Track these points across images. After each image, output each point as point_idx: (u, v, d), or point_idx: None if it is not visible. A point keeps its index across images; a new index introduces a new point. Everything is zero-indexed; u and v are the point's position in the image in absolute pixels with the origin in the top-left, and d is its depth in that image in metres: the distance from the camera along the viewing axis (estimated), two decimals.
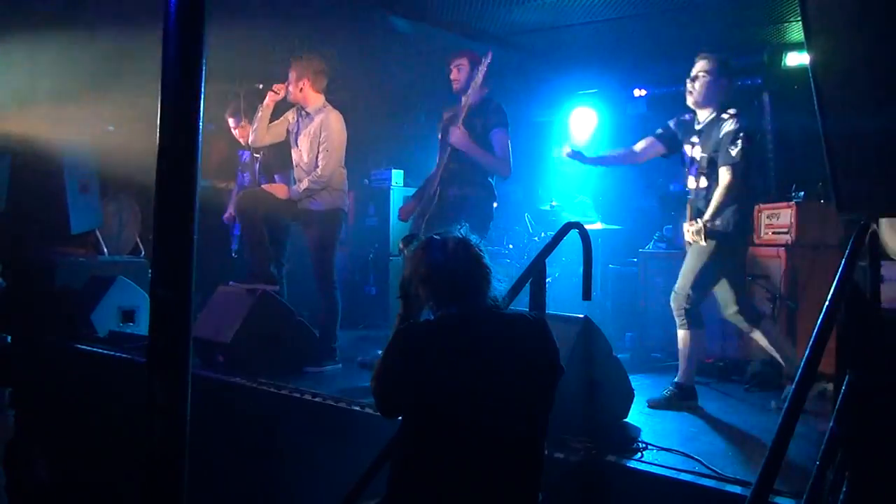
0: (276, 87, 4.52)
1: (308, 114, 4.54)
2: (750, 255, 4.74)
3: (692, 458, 2.73)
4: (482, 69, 4.11)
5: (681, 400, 3.65)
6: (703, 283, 3.67)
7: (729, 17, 5.08)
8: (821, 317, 1.92)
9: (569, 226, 3.24)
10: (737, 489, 2.41)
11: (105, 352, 4.91)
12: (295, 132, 4.61)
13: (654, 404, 3.64)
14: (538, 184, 6.72)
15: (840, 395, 2.14)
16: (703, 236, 3.53)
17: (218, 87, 5.10)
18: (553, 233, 3.27)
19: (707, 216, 3.59)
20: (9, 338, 4.28)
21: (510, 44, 5.84)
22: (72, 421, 4.78)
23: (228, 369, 4.21)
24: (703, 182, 3.71)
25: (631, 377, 3.29)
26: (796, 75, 5.43)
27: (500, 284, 2.06)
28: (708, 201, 3.63)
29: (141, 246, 7.10)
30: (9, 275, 5.52)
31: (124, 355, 4.73)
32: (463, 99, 4.24)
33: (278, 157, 4.93)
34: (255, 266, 4.49)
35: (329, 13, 5.11)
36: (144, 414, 1.12)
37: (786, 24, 5.15)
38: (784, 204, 4.70)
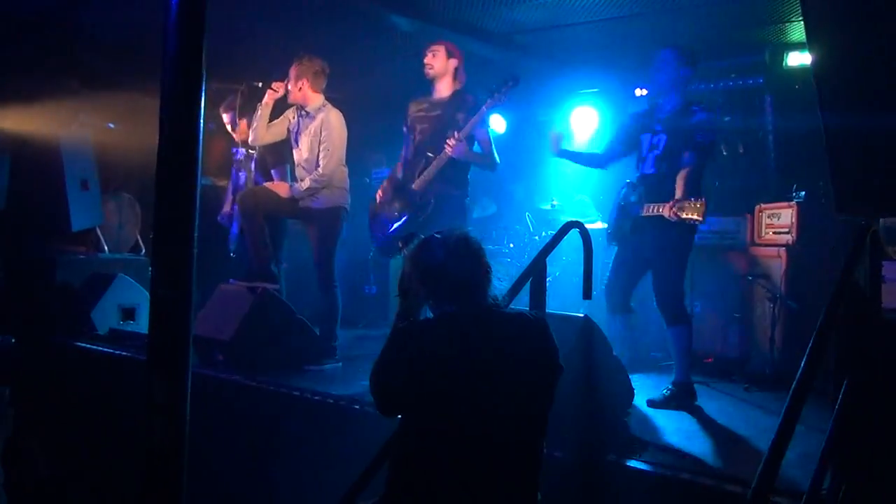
0: (275, 85, 4.52)
1: (308, 113, 4.54)
2: (751, 255, 4.76)
3: (692, 457, 2.73)
4: (500, 98, 4.09)
5: (681, 399, 3.66)
6: (684, 273, 3.75)
7: (730, 16, 5.07)
8: (821, 317, 1.92)
9: (569, 225, 3.24)
10: (736, 488, 2.41)
11: (105, 350, 4.91)
12: (295, 131, 4.61)
13: (655, 404, 3.64)
14: (539, 183, 6.71)
15: (840, 396, 2.14)
16: (684, 213, 3.49)
17: (218, 85, 5.09)
18: (553, 232, 3.26)
19: (680, 195, 3.56)
20: (13, 339, 4.29)
21: (511, 42, 5.83)
22: (71, 419, 4.78)
23: (228, 368, 4.21)
24: (659, 168, 3.76)
25: (631, 376, 3.29)
26: (797, 75, 5.42)
27: (499, 283, 2.06)
28: (659, 187, 3.68)
29: (141, 243, 7.10)
30: (6, 273, 5.53)
31: (124, 353, 4.73)
32: (467, 122, 4.20)
33: (274, 153, 4.93)
34: (256, 264, 4.49)
35: (330, 12, 5.10)
36: (144, 412, 1.12)
37: (787, 24, 5.14)
38: (785, 204, 4.70)
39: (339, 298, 4.54)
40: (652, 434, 3.07)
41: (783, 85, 5.62)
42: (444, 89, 4.34)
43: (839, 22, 2.08)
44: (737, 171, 5.77)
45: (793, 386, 1.73)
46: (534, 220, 6.34)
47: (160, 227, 1.14)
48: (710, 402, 3.88)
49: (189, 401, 1.16)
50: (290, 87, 4.48)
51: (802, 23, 2.14)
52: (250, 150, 5.15)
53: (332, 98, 4.64)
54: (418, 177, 4.26)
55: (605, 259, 5.82)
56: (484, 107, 4.14)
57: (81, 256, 6.39)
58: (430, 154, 4.26)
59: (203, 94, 1.17)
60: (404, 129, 4.50)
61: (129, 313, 5.58)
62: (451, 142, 4.11)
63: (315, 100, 4.52)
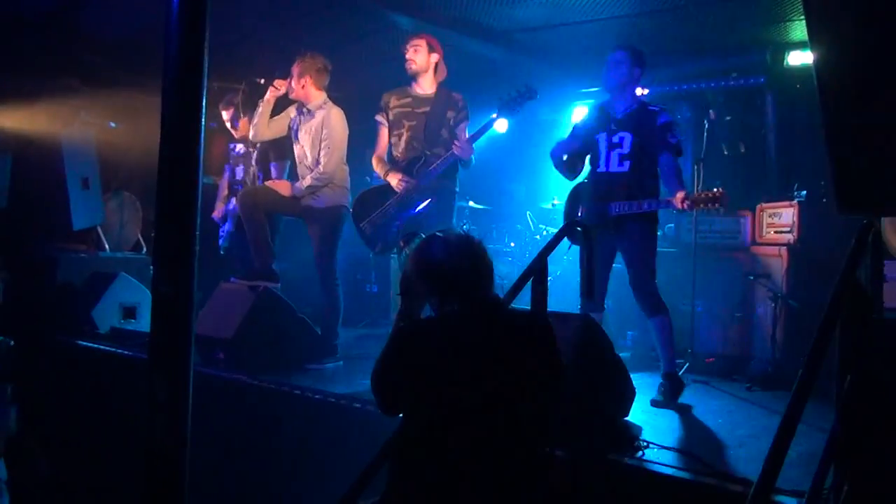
0: (277, 82, 4.52)
1: (310, 110, 4.53)
2: (752, 255, 4.75)
3: (693, 456, 2.72)
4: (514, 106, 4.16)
5: (676, 388, 3.72)
6: (654, 264, 3.87)
7: (731, 15, 5.07)
8: (823, 316, 1.91)
9: (570, 224, 3.24)
10: (738, 488, 2.41)
11: (106, 348, 4.91)
12: (296, 128, 4.61)
13: (658, 404, 3.67)
14: (540, 182, 6.70)
15: (842, 395, 2.14)
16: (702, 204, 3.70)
17: (219, 84, 5.09)
18: (554, 231, 3.26)
19: (682, 190, 3.73)
20: (11, 341, 4.28)
21: (513, 41, 5.83)
22: (73, 417, 4.79)
23: (229, 366, 4.21)
24: (626, 166, 3.85)
25: (632, 375, 3.29)
26: (798, 74, 5.42)
27: (500, 282, 2.06)
28: (630, 183, 3.80)
29: (142, 242, 7.11)
30: (7, 274, 5.53)
31: (126, 352, 4.73)
32: (458, 123, 4.29)
33: (276, 148, 4.93)
34: (258, 263, 4.49)
35: (331, 10, 5.10)
36: (146, 410, 1.12)
37: (788, 23, 5.14)
38: (786, 203, 4.70)
39: (340, 297, 4.54)
40: (653, 433, 3.07)
41: (784, 84, 5.62)
42: (426, 84, 4.36)
43: (841, 20, 2.08)
44: (738, 170, 5.77)
45: (795, 385, 1.73)
46: (535, 218, 6.34)
47: (162, 225, 1.14)
48: (712, 401, 3.87)
49: (191, 399, 1.16)
50: (292, 85, 4.47)
51: (804, 22, 2.13)
52: (250, 148, 5.15)
53: (334, 97, 4.64)
54: (417, 173, 4.27)
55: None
56: (494, 115, 4.20)
57: (83, 255, 6.40)
58: (427, 151, 4.29)
59: (204, 92, 1.17)
60: (380, 120, 4.48)
61: (130, 312, 5.58)
62: (461, 144, 4.17)
63: (317, 97, 4.52)
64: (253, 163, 5.15)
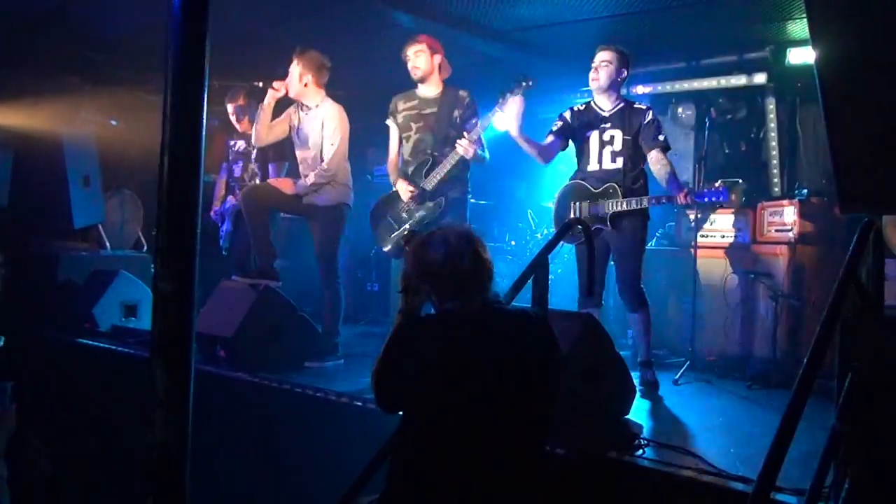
0: (275, 84, 4.48)
1: (311, 108, 4.53)
2: (753, 253, 4.75)
3: (694, 454, 2.72)
4: (517, 97, 4.06)
5: (653, 375, 3.86)
6: (643, 260, 3.98)
7: (732, 13, 5.06)
8: (824, 314, 1.91)
9: (572, 222, 3.24)
10: (739, 486, 2.41)
11: (107, 346, 4.92)
12: (297, 128, 4.60)
13: (645, 394, 3.75)
14: (541, 180, 6.70)
15: (843, 392, 2.13)
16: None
17: (220, 82, 5.08)
18: (555, 229, 3.26)
19: (679, 186, 3.85)
20: (2, 339, 4.28)
21: (513, 39, 5.82)
22: (74, 415, 4.79)
23: (230, 364, 4.22)
24: (619, 163, 3.96)
25: (632, 374, 3.29)
26: (800, 72, 5.41)
27: (501, 280, 2.06)
28: (623, 180, 3.91)
29: (143, 240, 7.11)
30: (9, 270, 5.53)
31: (126, 350, 4.74)
32: (467, 121, 4.27)
33: (273, 147, 4.90)
34: (259, 261, 4.50)
35: (331, 9, 5.09)
36: (147, 408, 1.12)
37: (789, 21, 5.13)
38: (787, 201, 4.70)
39: (342, 295, 4.55)
40: (654, 431, 3.07)
41: (785, 82, 5.61)
42: (432, 85, 4.36)
43: (843, 18, 2.07)
44: (739, 168, 5.76)
45: (795, 383, 1.73)
46: (536, 217, 6.34)
47: (162, 222, 1.14)
48: (713, 399, 3.88)
49: (192, 397, 1.16)
50: (292, 84, 4.45)
51: (805, 20, 2.13)
52: (249, 146, 5.14)
53: (335, 94, 4.63)
54: (426, 177, 4.28)
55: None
56: (496, 106, 4.13)
57: (84, 253, 6.41)
58: (434, 153, 4.29)
59: (206, 90, 1.17)
60: (390, 125, 4.53)
61: (131, 310, 5.59)
62: (465, 143, 4.12)
63: (317, 95, 4.51)
64: (252, 161, 5.14)
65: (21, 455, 4.11)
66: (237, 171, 5.25)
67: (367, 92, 6.62)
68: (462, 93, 4.33)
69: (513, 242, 6.41)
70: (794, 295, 4.39)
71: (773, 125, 5.74)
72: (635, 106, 4.02)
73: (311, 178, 4.43)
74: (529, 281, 2.89)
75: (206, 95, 1.17)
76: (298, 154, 4.64)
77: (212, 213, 5.33)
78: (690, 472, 2.56)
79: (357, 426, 3.37)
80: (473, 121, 4.27)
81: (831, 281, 2.06)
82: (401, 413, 2.03)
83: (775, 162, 5.71)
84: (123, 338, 5.02)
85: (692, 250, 4.71)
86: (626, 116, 3.97)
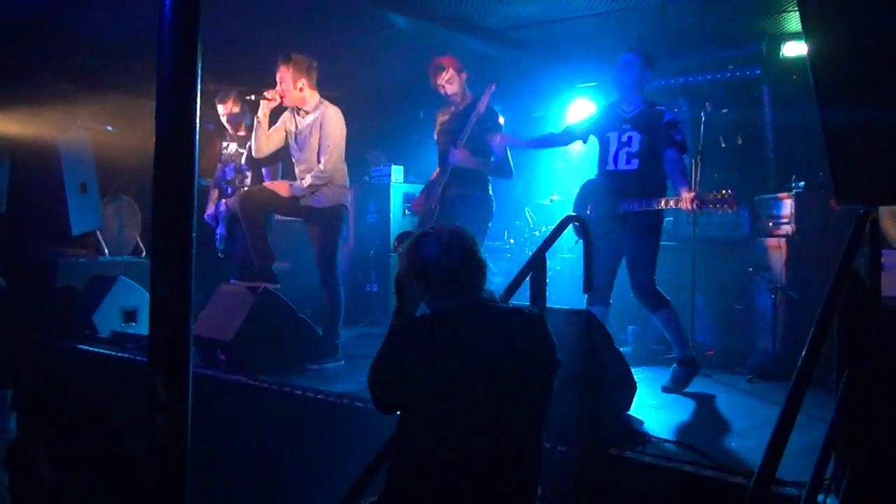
0: (268, 94, 4.44)
1: (307, 112, 4.51)
2: (751, 247, 4.75)
3: (695, 449, 2.73)
4: (486, 96, 4.31)
5: (689, 373, 3.86)
6: (655, 262, 3.98)
7: (726, 7, 5.07)
8: (822, 306, 1.91)
9: (568, 219, 3.24)
10: (740, 479, 2.42)
11: (107, 352, 4.92)
12: (294, 132, 4.58)
13: (670, 389, 3.79)
14: (537, 178, 6.71)
15: (841, 385, 2.14)
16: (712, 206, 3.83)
17: (214, 86, 5.08)
18: (553, 227, 3.26)
19: (687, 188, 3.85)
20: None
21: (508, 38, 5.82)
22: (75, 421, 4.79)
23: (230, 368, 4.22)
24: (635, 164, 3.98)
25: (633, 370, 3.29)
26: (795, 65, 5.41)
27: (494, 278, 2.06)
28: (639, 181, 3.93)
29: (142, 246, 7.11)
30: (9, 276, 5.53)
31: (126, 355, 4.74)
32: (468, 122, 4.37)
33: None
34: (258, 264, 4.49)
35: (326, 10, 5.09)
36: (146, 413, 1.13)
37: (784, 14, 5.13)
38: (784, 194, 4.70)
39: (341, 297, 4.55)
40: (654, 427, 3.08)
41: (780, 75, 5.62)
42: (462, 101, 4.50)
43: (835, 11, 2.08)
44: (735, 162, 5.77)
45: (794, 375, 1.73)
46: (533, 214, 6.34)
47: (158, 228, 1.14)
48: (713, 393, 3.88)
49: (191, 400, 1.16)
50: (288, 91, 4.42)
51: (799, 13, 2.13)
52: (241, 148, 5.12)
53: (329, 96, 4.63)
54: (440, 188, 4.48)
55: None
56: (472, 116, 4.31)
57: (82, 260, 6.41)
58: (448, 159, 4.48)
59: (199, 93, 1.17)
60: (435, 136, 4.70)
61: (130, 315, 5.59)
62: (455, 151, 4.34)
63: (313, 98, 4.50)
64: (243, 162, 5.11)
65: (22, 462, 4.11)
66: (229, 173, 5.22)
67: (362, 93, 6.63)
68: (480, 106, 4.40)
69: (511, 240, 6.41)
70: (792, 287, 4.39)
71: (768, 118, 5.74)
72: (657, 107, 4.03)
73: (307, 181, 4.43)
74: (528, 278, 2.89)
75: (198, 100, 1.17)
76: (296, 157, 4.62)
77: (205, 216, 5.31)
78: (691, 467, 2.57)
79: (358, 427, 3.37)
80: (493, 132, 4.38)
81: (830, 273, 2.06)
82: (398, 413, 2.03)
83: (772, 155, 5.71)
84: (123, 343, 5.02)
85: (691, 244, 4.71)
86: (646, 118, 3.99)
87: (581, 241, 4.20)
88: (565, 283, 5.62)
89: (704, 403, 3.66)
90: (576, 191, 6.23)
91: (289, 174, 4.81)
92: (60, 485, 4.49)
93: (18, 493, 3.88)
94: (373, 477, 2.38)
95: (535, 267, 2.87)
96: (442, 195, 4.44)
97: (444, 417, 1.88)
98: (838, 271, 2.03)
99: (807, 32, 2.14)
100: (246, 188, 4.97)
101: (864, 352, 2.13)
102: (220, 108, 5.18)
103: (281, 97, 4.45)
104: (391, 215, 6.75)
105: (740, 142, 5.93)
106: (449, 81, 4.40)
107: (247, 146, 5.01)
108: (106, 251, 6.69)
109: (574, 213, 4.17)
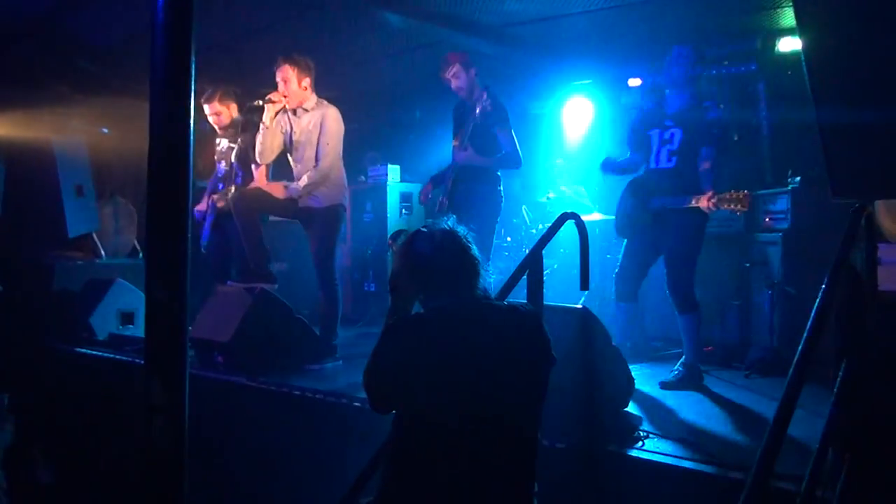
0: (273, 96, 4.40)
1: (306, 111, 4.50)
2: (748, 242, 4.76)
3: (693, 445, 2.73)
4: (479, 105, 4.37)
5: (691, 379, 3.84)
6: (696, 262, 3.94)
7: (721, 3, 5.07)
8: (818, 300, 1.92)
9: (565, 216, 3.23)
10: (738, 475, 2.42)
11: (105, 354, 4.91)
12: (288, 132, 4.56)
13: (667, 386, 3.79)
14: (534, 176, 6.71)
15: (839, 378, 2.14)
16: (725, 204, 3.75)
17: (209, 86, 5.05)
18: (550, 224, 3.26)
19: (710, 188, 3.80)
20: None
21: (504, 35, 5.81)
22: (72, 424, 4.79)
23: (228, 369, 4.21)
24: (674, 161, 3.96)
25: (631, 366, 3.29)
26: (790, 61, 5.42)
27: (489, 276, 2.06)
28: (675, 179, 3.89)
29: (138, 248, 7.10)
30: (5, 279, 5.52)
31: (124, 357, 4.73)
32: (468, 122, 4.45)
33: (255, 147, 4.83)
34: (254, 264, 4.48)
35: (320, 9, 5.08)
36: (144, 415, 1.12)
37: (778, 10, 5.13)
38: (781, 190, 4.70)
39: (339, 296, 4.54)
40: (653, 423, 3.08)
41: (776, 71, 5.62)
42: (469, 96, 4.56)
43: (829, 6, 2.08)
44: (731, 158, 5.77)
45: (791, 370, 1.73)
46: (530, 213, 6.34)
47: (153, 229, 1.14)
48: (711, 389, 3.89)
49: (188, 402, 1.16)
50: (292, 91, 4.38)
51: (793, 8, 2.14)
52: (231, 144, 5.08)
53: (326, 96, 4.62)
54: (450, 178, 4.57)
55: (602, 250, 5.85)
56: (470, 119, 4.40)
57: (79, 262, 6.40)
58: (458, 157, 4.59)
59: (192, 96, 1.17)
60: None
61: (128, 317, 5.58)
62: (460, 152, 4.45)
63: (312, 97, 4.50)
64: (233, 159, 5.07)
65: (19, 465, 4.11)
66: (221, 170, 5.17)
67: (357, 93, 6.62)
68: (486, 102, 4.41)
69: (508, 238, 6.41)
70: (789, 283, 4.39)
71: (764, 114, 5.74)
72: (704, 104, 3.98)
73: (304, 181, 4.42)
74: (525, 276, 2.89)
75: (192, 101, 1.17)
76: (293, 158, 4.61)
77: (195, 211, 5.28)
78: (690, 463, 2.57)
79: (357, 427, 3.37)
80: (499, 126, 4.43)
81: (826, 268, 2.06)
82: (393, 412, 2.03)
83: (768, 151, 5.71)
84: (121, 346, 5.01)
85: None
86: (690, 115, 3.95)
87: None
88: (563, 281, 5.63)
89: (702, 399, 3.67)
90: (575, 189, 6.25)
91: (279, 172, 4.79)
92: (57, 487, 4.49)
93: (15, 496, 3.88)
94: (372, 476, 2.38)
95: (532, 264, 2.87)
96: (451, 190, 4.50)
97: (439, 415, 1.88)
98: (834, 266, 2.03)
99: (801, 28, 2.15)
100: (236, 186, 4.93)
101: (861, 346, 2.13)
102: (207, 108, 5.14)
103: (284, 98, 4.42)
104: (388, 215, 6.75)
105: (736, 138, 5.93)
106: (455, 76, 4.47)
107: (237, 143, 4.98)
108: (102, 253, 6.68)
109: (619, 214, 4.20)
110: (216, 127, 5.17)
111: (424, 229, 2.06)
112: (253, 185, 4.76)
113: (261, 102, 4.46)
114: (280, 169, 4.99)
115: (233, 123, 5.08)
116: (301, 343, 4.41)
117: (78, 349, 5.12)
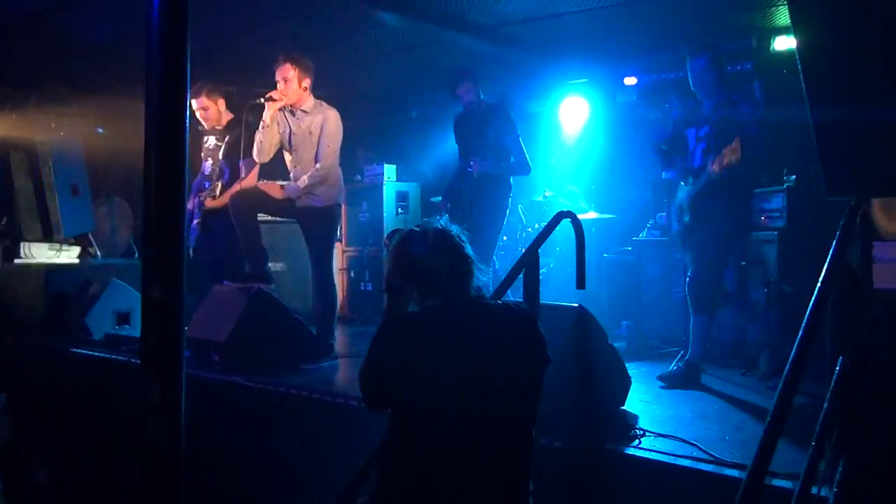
0: (272, 94, 4.38)
1: (305, 112, 4.49)
2: (743, 241, 4.76)
3: (690, 443, 2.74)
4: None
5: (690, 377, 3.88)
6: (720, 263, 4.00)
7: (716, 2, 5.07)
8: (813, 298, 1.92)
9: (561, 215, 3.24)
10: (735, 473, 2.43)
11: (101, 355, 4.90)
12: (287, 133, 4.56)
13: (665, 379, 3.84)
14: (531, 175, 6.70)
15: (834, 376, 2.15)
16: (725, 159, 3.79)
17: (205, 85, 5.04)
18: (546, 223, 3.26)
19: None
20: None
21: (499, 35, 5.81)
22: (69, 424, 4.78)
23: (225, 369, 4.21)
24: (706, 161, 3.98)
25: (627, 365, 3.30)
26: (785, 59, 5.43)
27: (483, 275, 2.06)
28: (706, 178, 3.91)
29: (134, 247, 7.09)
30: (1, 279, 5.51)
31: (120, 358, 4.72)
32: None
33: (240, 144, 4.79)
34: (250, 265, 4.48)
35: (316, 9, 5.08)
36: (140, 414, 1.12)
37: (773, 9, 5.15)
38: (776, 188, 4.71)
39: (335, 296, 4.54)
40: (649, 421, 3.09)
41: (771, 69, 5.63)
42: (479, 109, 4.83)
43: (823, 5, 2.08)
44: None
45: (786, 367, 1.74)
46: (526, 212, 6.35)
47: (149, 229, 1.13)
48: (708, 387, 3.90)
49: (185, 401, 1.16)
50: (292, 90, 4.37)
51: (787, 7, 2.14)
52: (219, 142, 5.05)
53: (322, 95, 4.61)
54: (462, 186, 4.79)
55: (599, 248, 5.84)
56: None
57: (75, 262, 6.39)
58: (468, 168, 4.78)
59: (188, 95, 1.17)
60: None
61: (123, 317, 5.58)
62: (473, 164, 4.70)
63: (310, 97, 4.50)
64: (220, 157, 5.04)
65: (15, 466, 4.10)
66: (207, 168, 5.13)
67: (353, 92, 6.61)
68: (490, 109, 4.73)
69: (504, 238, 6.41)
70: (785, 280, 4.41)
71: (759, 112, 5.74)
72: (733, 97, 4.01)
73: (303, 181, 4.41)
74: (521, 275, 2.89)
75: (188, 101, 1.17)
76: (290, 158, 4.60)
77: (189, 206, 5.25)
78: (686, 461, 2.58)
79: (354, 427, 3.37)
80: (506, 132, 4.74)
81: (822, 265, 2.07)
82: (389, 411, 2.03)
83: (763, 149, 5.72)
84: (117, 346, 5.00)
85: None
86: (723, 114, 3.98)
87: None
88: (559, 279, 5.64)
89: (698, 397, 3.68)
90: (570, 188, 6.26)
91: (270, 172, 4.78)
92: (54, 488, 4.48)
93: (12, 497, 3.87)
94: (368, 475, 2.38)
95: (528, 263, 2.88)
96: (470, 197, 4.72)
97: (434, 414, 1.88)
98: (830, 263, 2.04)
99: (795, 26, 2.15)
100: (223, 184, 4.90)
101: (857, 343, 2.14)
102: (194, 103, 5.10)
103: (284, 97, 4.41)
104: (384, 214, 6.75)
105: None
106: (468, 91, 4.79)
107: (224, 140, 4.96)
108: (98, 254, 6.66)
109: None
110: (202, 122, 5.11)
111: (417, 229, 2.07)
112: (248, 184, 4.74)
113: (262, 100, 4.44)
114: (267, 168, 4.97)
115: (223, 121, 5.04)
116: (297, 343, 4.41)
117: (74, 349, 5.10)
